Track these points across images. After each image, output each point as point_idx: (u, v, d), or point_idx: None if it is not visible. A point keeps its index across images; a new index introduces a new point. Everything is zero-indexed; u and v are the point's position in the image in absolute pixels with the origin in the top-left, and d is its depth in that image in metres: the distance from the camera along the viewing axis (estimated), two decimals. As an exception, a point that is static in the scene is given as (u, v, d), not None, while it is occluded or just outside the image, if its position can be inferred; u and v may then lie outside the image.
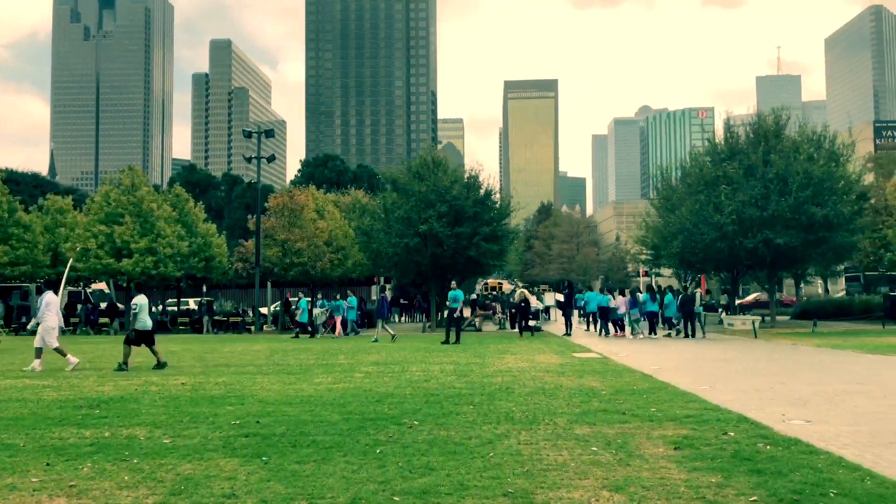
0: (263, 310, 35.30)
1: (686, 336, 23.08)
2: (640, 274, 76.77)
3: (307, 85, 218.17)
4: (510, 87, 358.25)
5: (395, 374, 12.96)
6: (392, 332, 23.27)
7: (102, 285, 38.80)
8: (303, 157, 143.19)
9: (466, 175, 31.51)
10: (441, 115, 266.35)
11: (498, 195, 32.29)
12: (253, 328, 32.45)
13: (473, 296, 45.09)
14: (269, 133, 37.00)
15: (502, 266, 38.78)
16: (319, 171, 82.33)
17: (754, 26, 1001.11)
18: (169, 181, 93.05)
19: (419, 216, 28.70)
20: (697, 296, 25.12)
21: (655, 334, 23.70)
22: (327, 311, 28.49)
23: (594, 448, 6.37)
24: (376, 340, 22.81)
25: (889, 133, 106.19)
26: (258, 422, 7.96)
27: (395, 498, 4.87)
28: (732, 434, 6.90)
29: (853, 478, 5.23)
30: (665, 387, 10.61)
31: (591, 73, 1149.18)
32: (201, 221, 35.28)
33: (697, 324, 23.47)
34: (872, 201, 31.50)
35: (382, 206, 31.07)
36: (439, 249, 28.79)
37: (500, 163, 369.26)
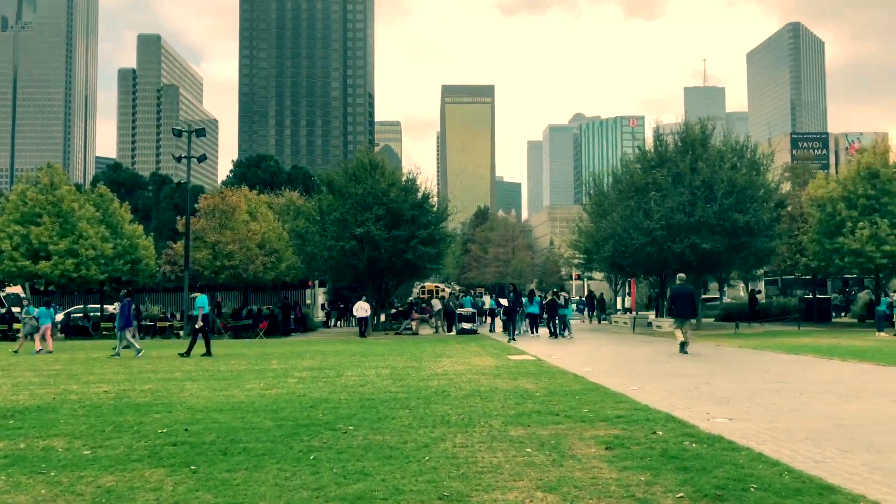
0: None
1: (552, 335, 25.44)
2: (573, 277, 78.53)
3: (241, 83, 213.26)
4: (447, 91, 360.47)
5: (329, 379, 12.79)
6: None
7: (17, 289, 36.80)
8: (235, 157, 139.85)
9: (404, 178, 31.48)
10: (378, 117, 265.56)
11: (435, 199, 32.39)
12: (182, 333, 31.42)
13: (411, 299, 45.09)
14: (200, 132, 35.95)
15: (439, 269, 38.91)
16: (252, 171, 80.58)
17: (680, 38, 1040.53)
18: (92, 180, 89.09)
19: (356, 219, 28.48)
20: (561, 298, 26.94)
21: (536, 332, 26.95)
22: (34, 318, 21.99)
23: (528, 449, 6.45)
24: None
25: (804, 145, 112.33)
26: (186, 430, 7.70)
27: (330, 505, 4.80)
28: (661, 433, 7.12)
29: (772, 472, 5.47)
30: (597, 388, 10.86)
31: (527, 80, 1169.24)
32: (127, 222, 33.91)
33: (565, 324, 25.90)
34: (789, 209, 33.17)
35: (318, 209, 30.68)
36: (376, 253, 28.63)
37: (438, 166, 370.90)
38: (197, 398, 10.33)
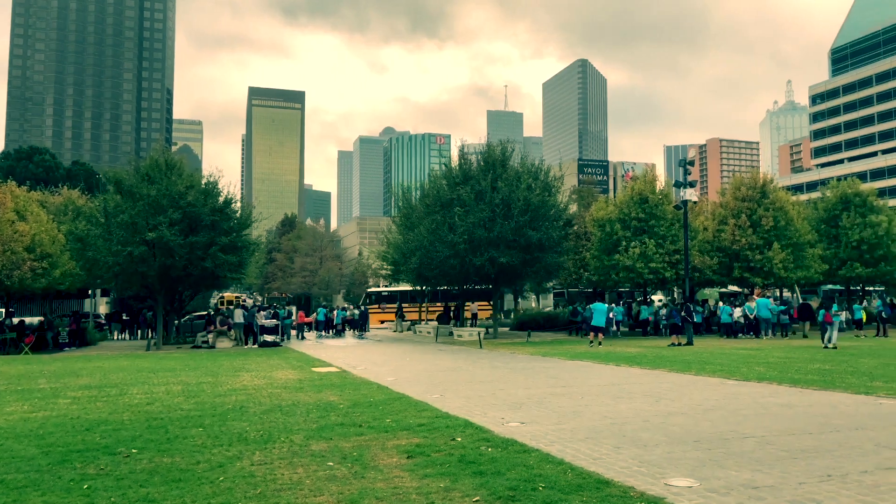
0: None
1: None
2: (381, 287, 79.32)
3: (11, 66, 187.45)
4: (255, 94, 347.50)
5: (110, 398, 11.57)
6: None
7: None
8: (1, 147, 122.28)
9: (204, 181, 29.63)
10: (178, 115, 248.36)
11: (239, 204, 30.89)
12: (-78, 349, 26.62)
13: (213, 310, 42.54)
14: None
15: (241, 279, 37.07)
16: (23, 165, 71.11)
17: (478, 62, 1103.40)
18: None
19: (147, 222, 26.22)
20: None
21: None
22: None
23: (330, 463, 6.33)
24: None
25: (589, 170, 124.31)
26: (-78, 465, 6.49)
27: (104, 539, 4.29)
28: (459, 439, 7.36)
29: (558, 471, 5.90)
30: (400, 398, 11.00)
31: (344, 93, 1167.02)
32: None
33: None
34: (575, 228, 36.46)
35: (103, 210, 27.79)
36: (170, 260, 26.57)
37: (243, 171, 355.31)
38: (-62, 426, 8.77)
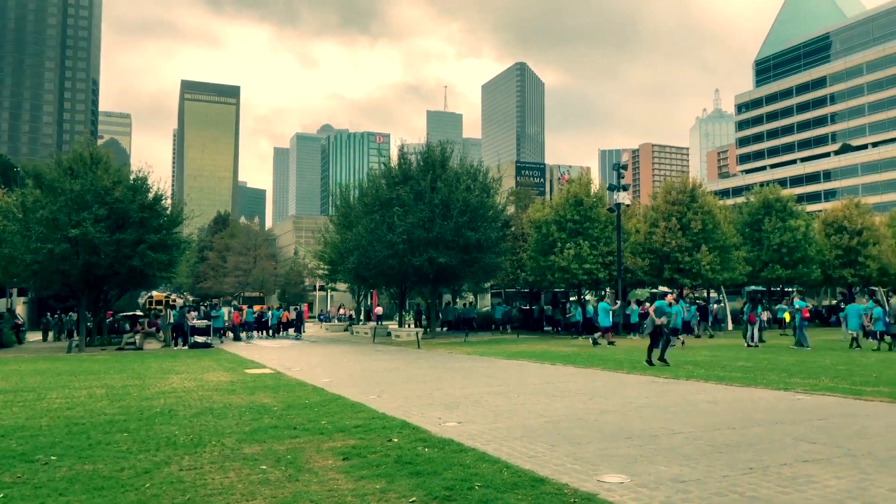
0: None
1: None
2: (317, 288, 78.25)
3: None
4: (188, 87, 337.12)
5: (27, 403, 10.99)
6: None
7: None
8: None
9: (133, 176, 28.54)
10: (104, 107, 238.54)
11: (169, 200, 29.91)
12: None
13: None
14: None
15: (171, 278, 35.86)
16: (-66, 155, 66.78)
17: (412, 59, 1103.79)
18: None
19: (70, 218, 25.04)
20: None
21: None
22: None
23: (263, 466, 6.18)
24: None
25: (526, 173, 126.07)
26: None
27: (18, 553, 4.06)
28: (396, 440, 7.32)
29: (493, 470, 5.94)
30: (336, 399, 10.86)
31: (276, 86, 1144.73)
32: None
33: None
34: (513, 229, 36.92)
35: (20, 205, 26.39)
36: (95, 258, 25.46)
37: (174, 167, 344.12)
38: None
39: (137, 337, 27.57)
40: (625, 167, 33.09)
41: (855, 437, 7.29)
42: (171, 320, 28.81)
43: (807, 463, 6.14)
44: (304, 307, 50.82)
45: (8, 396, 11.80)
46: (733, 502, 4.96)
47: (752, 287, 39.41)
